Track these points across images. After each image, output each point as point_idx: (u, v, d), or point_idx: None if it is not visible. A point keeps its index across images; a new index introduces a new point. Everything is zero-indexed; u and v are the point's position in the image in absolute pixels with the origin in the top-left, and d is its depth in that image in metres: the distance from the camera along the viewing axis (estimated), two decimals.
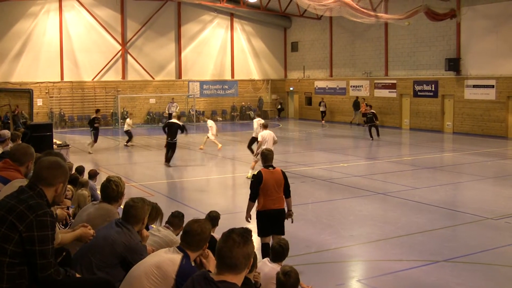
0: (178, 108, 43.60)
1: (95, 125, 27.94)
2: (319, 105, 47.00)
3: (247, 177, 20.01)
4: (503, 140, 32.51)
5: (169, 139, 23.68)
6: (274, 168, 10.42)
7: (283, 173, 10.45)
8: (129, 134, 30.55)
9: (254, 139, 23.19)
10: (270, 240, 10.20)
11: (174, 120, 24.31)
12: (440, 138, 34.77)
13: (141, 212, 5.92)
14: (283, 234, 10.22)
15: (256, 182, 10.25)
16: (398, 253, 11.82)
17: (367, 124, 34.25)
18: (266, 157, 10.51)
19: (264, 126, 20.90)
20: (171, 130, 23.70)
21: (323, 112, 46.76)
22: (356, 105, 43.86)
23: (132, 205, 5.90)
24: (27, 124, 25.34)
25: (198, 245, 5.21)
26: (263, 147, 19.42)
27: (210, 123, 28.49)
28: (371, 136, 33.08)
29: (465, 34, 36.32)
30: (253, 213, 10.58)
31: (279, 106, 52.10)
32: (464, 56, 36.36)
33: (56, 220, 5.06)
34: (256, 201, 10.40)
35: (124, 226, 5.72)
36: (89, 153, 27.40)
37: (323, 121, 46.00)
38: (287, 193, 10.43)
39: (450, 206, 16.35)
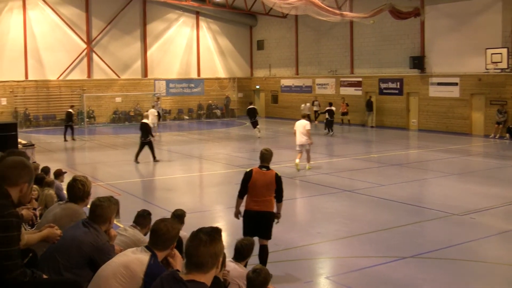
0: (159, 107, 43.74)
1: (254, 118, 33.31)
2: (312, 104, 44.17)
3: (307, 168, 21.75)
4: (467, 137, 32.97)
5: (142, 138, 24.50)
6: (268, 169, 10.07)
7: (277, 177, 10.05)
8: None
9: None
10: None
11: (144, 120, 25.00)
12: (406, 135, 35.12)
13: (107, 212, 5.87)
14: (268, 238, 10.01)
15: (244, 180, 10.03)
16: (365, 250, 11.90)
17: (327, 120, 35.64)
18: (263, 157, 10.19)
19: (302, 116, 22.74)
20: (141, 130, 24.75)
21: (317, 112, 43.80)
22: (369, 105, 40.64)
23: (98, 204, 5.84)
24: None
25: (165, 245, 5.18)
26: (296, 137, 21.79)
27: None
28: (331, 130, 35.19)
29: (429, 33, 36.72)
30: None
31: (318, 109, 44.26)
32: (428, 54, 36.77)
33: (21, 220, 4.99)
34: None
35: (91, 226, 5.67)
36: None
37: (316, 122, 42.34)
38: (278, 197, 10.14)
39: (416, 202, 16.52)
